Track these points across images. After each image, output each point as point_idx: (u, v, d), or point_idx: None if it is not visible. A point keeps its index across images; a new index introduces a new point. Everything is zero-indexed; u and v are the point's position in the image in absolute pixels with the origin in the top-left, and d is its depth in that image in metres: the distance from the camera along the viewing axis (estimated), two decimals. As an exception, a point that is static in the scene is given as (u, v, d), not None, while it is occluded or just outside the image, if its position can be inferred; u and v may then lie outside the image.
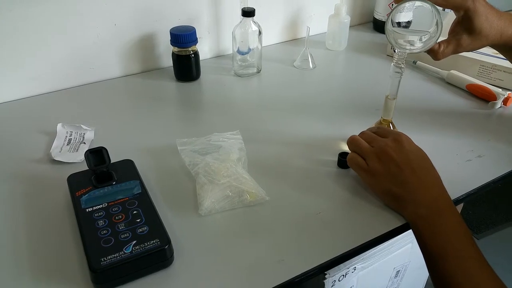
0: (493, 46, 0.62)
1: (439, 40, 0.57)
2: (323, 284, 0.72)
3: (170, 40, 0.77)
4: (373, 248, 0.78)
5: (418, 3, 0.52)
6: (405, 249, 0.85)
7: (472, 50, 0.61)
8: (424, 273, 1.04)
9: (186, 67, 0.80)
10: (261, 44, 0.82)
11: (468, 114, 0.71)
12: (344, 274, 0.74)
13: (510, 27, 0.58)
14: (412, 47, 0.55)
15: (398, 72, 0.57)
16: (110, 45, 0.79)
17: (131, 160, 0.55)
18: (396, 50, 0.56)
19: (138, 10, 0.78)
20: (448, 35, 0.60)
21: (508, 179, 0.58)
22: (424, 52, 0.58)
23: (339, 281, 0.74)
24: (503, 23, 0.58)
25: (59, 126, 0.64)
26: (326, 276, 0.71)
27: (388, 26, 0.54)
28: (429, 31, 0.54)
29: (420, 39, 0.55)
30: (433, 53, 0.59)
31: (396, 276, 0.92)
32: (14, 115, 0.70)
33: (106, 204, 0.47)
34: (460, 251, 0.44)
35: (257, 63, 0.84)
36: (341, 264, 0.73)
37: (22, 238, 0.47)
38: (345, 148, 0.59)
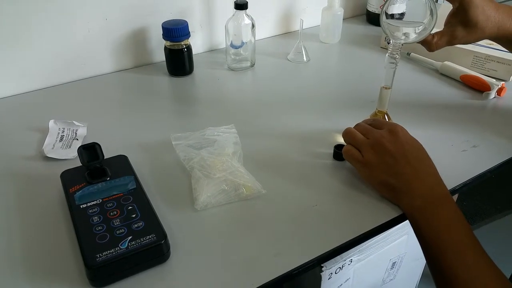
0: (491, 39, 0.61)
1: (434, 31, 0.57)
2: (320, 277, 0.72)
3: (162, 34, 0.76)
4: (369, 240, 0.78)
5: None
6: (401, 241, 0.86)
7: (468, 43, 0.60)
8: (420, 264, 1.05)
9: (179, 61, 0.79)
10: (254, 38, 0.81)
11: (462, 105, 0.71)
12: (341, 267, 0.74)
13: (507, 20, 0.57)
14: (406, 38, 0.55)
15: (393, 63, 0.57)
16: (101, 40, 0.78)
17: (125, 156, 0.54)
18: (390, 41, 0.56)
19: (129, 4, 0.77)
20: (444, 26, 0.60)
21: (504, 168, 0.59)
22: (418, 43, 0.58)
23: (335, 273, 0.74)
24: (500, 16, 0.57)
25: (51, 122, 0.64)
26: (323, 268, 0.71)
27: (382, 19, 0.54)
28: (423, 22, 0.53)
29: (415, 31, 0.54)
30: (427, 44, 0.58)
31: (392, 267, 0.93)
32: (4, 112, 0.69)
33: (101, 200, 0.46)
34: (457, 241, 0.44)
35: (250, 57, 0.84)
36: (338, 257, 0.73)
37: (16, 236, 0.47)
38: (341, 140, 0.59)
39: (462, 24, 0.57)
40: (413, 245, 0.89)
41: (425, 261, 1.09)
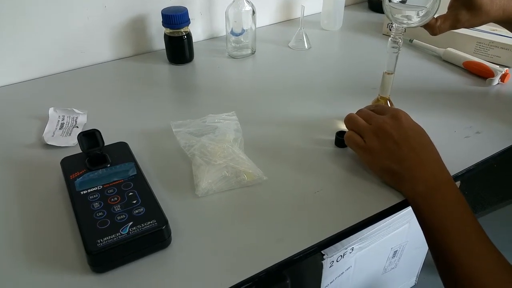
0: (496, 22, 0.60)
1: (437, 15, 0.56)
2: (322, 265, 0.72)
3: (162, 21, 0.75)
4: (371, 228, 0.78)
5: None
6: (402, 229, 0.86)
7: (472, 27, 0.59)
8: (422, 253, 1.05)
9: (179, 48, 0.78)
10: (255, 25, 0.80)
11: (465, 92, 0.71)
12: (342, 255, 0.74)
13: None
14: (409, 22, 0.54)
15: (395, 47, 0.56)
16: (100, 28, 0.77)
17: (125, 143, 0.54)
18: (393, 25, 0.55)
19: (129, -9, 0.77)
20: (447, 9, 0.59)
21: (506, 155, 0.58)
22: (421, 27, 0.57)
23: (337, 261, 0.74)
24: None
25: (51, 110, 0.63)
26: (324, 256, 0.71)
27: (385, 2, 0.53)
28: (426, 6, 0.53)
29: (417, 14, 0.54)
30: (430, 28, 0.58)
31: (393, 256, 0.93)
32: (5, 101, 0.69)
33: (101, 186, 0.46)
34: (460, 227, 0.43)
35: (251, 44, 0.83)
36: (339, 244, 0.73)
37: (17, 223, 0.46)
38: (343, 127, 0.58)
39: (466, 7, 0.56)
40: (415, 233, 0.89)
41: (426, 250, 1.10)
